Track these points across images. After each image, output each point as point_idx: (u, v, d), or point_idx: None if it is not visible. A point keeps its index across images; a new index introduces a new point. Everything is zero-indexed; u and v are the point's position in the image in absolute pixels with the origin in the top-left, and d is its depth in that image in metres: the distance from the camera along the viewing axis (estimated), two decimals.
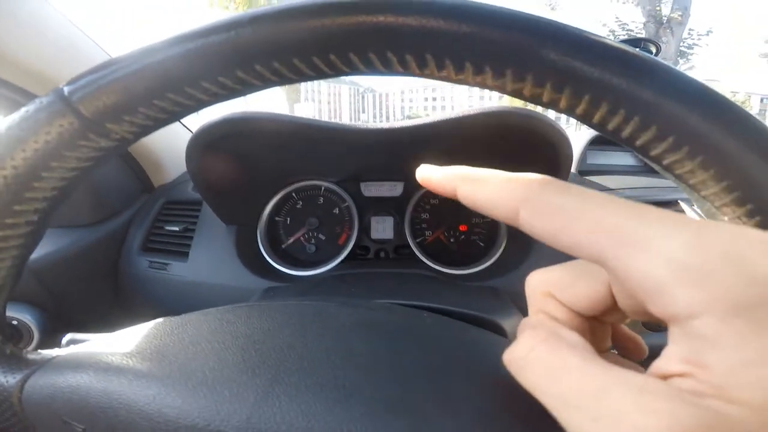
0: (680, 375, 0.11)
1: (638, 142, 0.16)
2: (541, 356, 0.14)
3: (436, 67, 0.16)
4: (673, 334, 0.12)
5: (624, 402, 0.11)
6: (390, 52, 0.16)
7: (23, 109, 0.18)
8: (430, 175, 0.18)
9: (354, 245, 0.70)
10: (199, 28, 0.16)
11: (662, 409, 0.11)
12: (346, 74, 0.17)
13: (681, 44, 10.45)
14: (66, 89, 0.18)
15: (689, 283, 0.11)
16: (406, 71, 0.17)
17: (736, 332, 0.10)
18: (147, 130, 0.19)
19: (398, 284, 0.54)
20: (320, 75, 0.17)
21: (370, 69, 0.17)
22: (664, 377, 0.12)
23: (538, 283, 0.18)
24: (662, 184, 0.73)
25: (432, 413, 0.16)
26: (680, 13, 9.36)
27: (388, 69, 0.17)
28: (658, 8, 9.81)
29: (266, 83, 0.18)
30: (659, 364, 0.12)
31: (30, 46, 0.56)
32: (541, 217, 0.14)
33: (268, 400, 0.16)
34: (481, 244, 0.72)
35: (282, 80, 0.17)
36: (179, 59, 0.16)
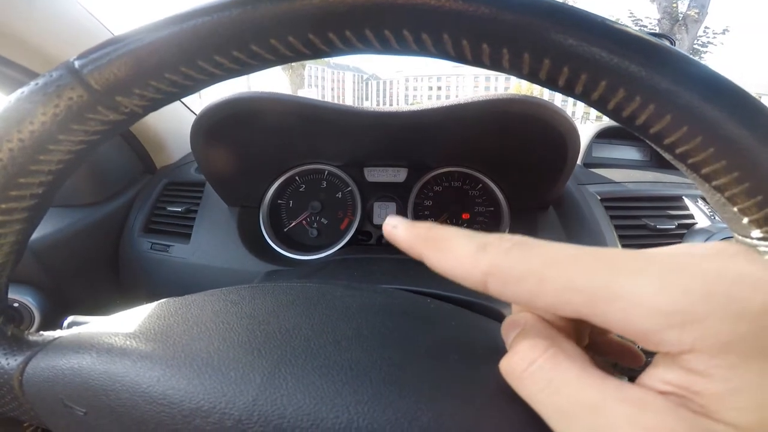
0: (670, 393, 0.12)
1: (652, 130, 0.16)
2: (542, 369, 0.14)
3: (453, 47, 0.16)
4: (663, 360, 0.12)
5: (621, 415, 0.11)
6: (406, 30, 0.15)
7: (32, 82, 0.18)
8: (395, 233, 0.17)
9: (356, 230, 0.70)
10: (215, 1, 0.16)
11: (657, 424, 0.11)
12: (361, 52, 0.17)
13: (695, 42, 10.29)
14: (76, 62, 0.17)
15: (675, 326, 0.11)
16: (422, 51, 0.16)
17: (727, 365, 0.11)
18: (157, 104, 0.19)
19: (400, 270, 0.54)
20: (335, 51, 0.17)
21: (385, 47, 0.16)
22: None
23: None
24: (667, 179, 0.72)
25: (438, 395, 0.16)
26: (697, 10, 9.18)
27: (402, 48, 0.16)
28: (674, 5, 9.62)
29: (280, 58, 0.17)
30: (648, 381, 0.13)
31: (38, 26, 0.55)
32: (508, 287, 0.14)
33: (274, 382, 0.16)
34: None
35: (297, 56, 0.17)
36: (193, 32, 0.16)
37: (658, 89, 0.14)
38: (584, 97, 0.16)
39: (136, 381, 0.17)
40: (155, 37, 0.17)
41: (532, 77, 0.16)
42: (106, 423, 0.18)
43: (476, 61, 0.16)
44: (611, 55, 0.14)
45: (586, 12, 0.15)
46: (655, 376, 0.12)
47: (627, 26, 0.15)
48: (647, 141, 0.17)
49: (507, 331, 0.17)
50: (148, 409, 0.16)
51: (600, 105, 0.16)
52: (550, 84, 0.16)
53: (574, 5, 0.16)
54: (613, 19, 0.15)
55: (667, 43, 0.15)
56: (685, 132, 0.15)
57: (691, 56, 0.15)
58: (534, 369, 0.14)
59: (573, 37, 0.15)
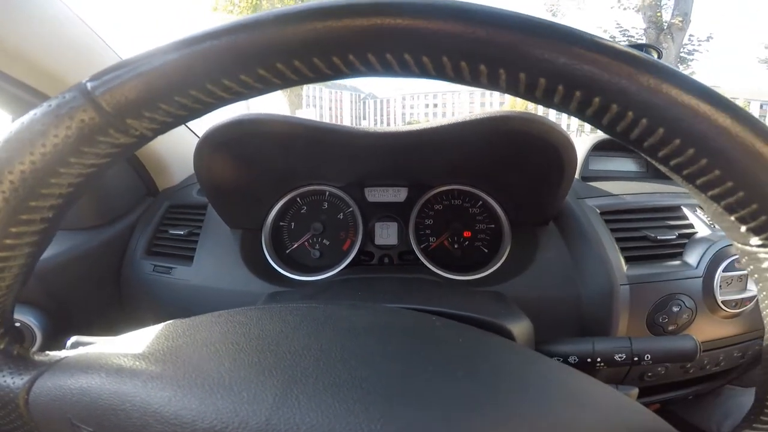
0: None
1: (646, 144, 0.16)
2: None
3: (452, 69, 0.16)
4: None
5: None
6: (407, 54, 0.16)
7: (45, 104, 0.18)
8: None
9: (358, 251, 0.70)
10: (223, 25, 0.17)
11: None
12: (364, 75, 0.18)
13: (681, 50, 10.49)
14: (89, 84, 0.18)
15: None
16: (423, 73, 0.17)
17: None
18: (165, 127, 0.19)
19: (404, 289, 0.54)
20: (339, 75, 0.17)
21: (387, 70, 0.17)
22: None
23: None
24: (665, 190, 0.73)
25: (448, 410, 0.16)
26: (681, 18, 9.38)
27: (404, 70, 0.17)
28: (658, 14, 9.85)
29: (286, 82, 0.18)
30: None
31: (47, 48, 0.57)
32: None
33: (287, 401, 0.16)
34: (485, 250, 0.72)
35: (302, 79, 0.18)
36: (202, 56, 0.17)
37: (649, 104, 0.15)
38: (579, 113, 0.17)
39: (147, 401, 0.17)
40: (165, 60, 0.17)
41: (528, 96, 0.17)
42: None
43: (474, 81, 0.17)
44: (602, 71, 0.15)
45: (574, 29, 0.16)
46: None
47: (616, 43, 0.16)
48: (642, 154, 0.17)
49: None
50: (159, 429, 0.16)
51: (594, 121, 0.17)
52: (544, 101, 0.17)
53: (560, 15, 0.16)
54: (601, 31, 0.16)
55: (655, 54, 0.16)
56: (678, 145, 0.15)
57: (678, 70, 0.16)
58: None
59: (565, 56, 0.15)
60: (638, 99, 0.15)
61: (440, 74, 0.17)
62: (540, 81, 0.16)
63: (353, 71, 0.17)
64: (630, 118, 0.16)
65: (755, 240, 0.16)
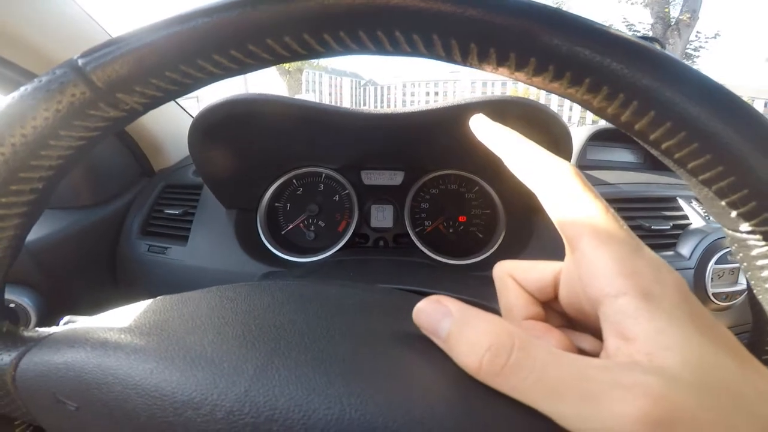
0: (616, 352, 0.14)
1: (637, 127, 0.16)
2: (522, 358, 0.14)
3: (443, 47, 0.16)
4: (603, 314, 0.15)
5: (602, 380, 0.13)
6: (398, 32, 0.16)
7: (36, 80, 0.18)
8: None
9: (353, 233, 0.71)
10: (214, 2, 0.17)
11: (632, 381, 0.12)
12: (355, 53, 0.17)
13: (687, 46, 10.38)
14: (80, 60, 0.18)
15: (622, 274, 0.15)
16: (414, 52, 0.17)
17: (648, 310, 0.14)
18: (157, 101, 0.19)
19: (397, 271, 0.54)
20: (330, 52, 0.17)
21: (378, 48, 0.17)
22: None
23: (503, 266, 0.22)
24: (661, 181, 0.73)
25: (431, 387, 0.16)
26: (689, 15, 9.25)
27: (395, 49, 0.17)
28: (666, 10, 9.71)
29: (277, 58, 0.18)
30: (604, 353, 0.15)
31: (39, 28, 0.56)
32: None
33: (267, 373, 0.16)
34: (480, 235, 0.73)
35: (293, 56, 0.18)
36: (193, 32, 0.17)
37: (639, 86, 0.15)
38: (570, 95, 0.17)
39: (129, 373, 0.17)
40: (157, 37, 0.17)
41: (520, 75, 0.17)
42: (97, 417, 0.18)
43: (464, 61, 0.17)
44: (594, 53, 0.15)
45: (574, 15, 0.16)
46: (605, 347, 0.15)
47: (609, 27, 0.16)
48: (634, 137, 0.17)
49: (435, 319, 0.17)
50: (139, 402, 0.16)
51: (586, 103, 0.17)
52: (536, 81, 0.17)
53: (566, 9, 0.16)
54: (606, 24, 0.16)
55: (657, 46, 0.16)
56: (668, 128, 0.15)
57: (671, 54, 0.16)
58: (514, 360, 0.14)
59: (558, 37, 0.15)
60: (629, 81, 0.15)
61: (430, 52, 0.17)
62: (531, 61, 0.16)
63: (344, 48, 0.17)
64: (621, 100, 0.15)
65: (745, 226, 0.16)
